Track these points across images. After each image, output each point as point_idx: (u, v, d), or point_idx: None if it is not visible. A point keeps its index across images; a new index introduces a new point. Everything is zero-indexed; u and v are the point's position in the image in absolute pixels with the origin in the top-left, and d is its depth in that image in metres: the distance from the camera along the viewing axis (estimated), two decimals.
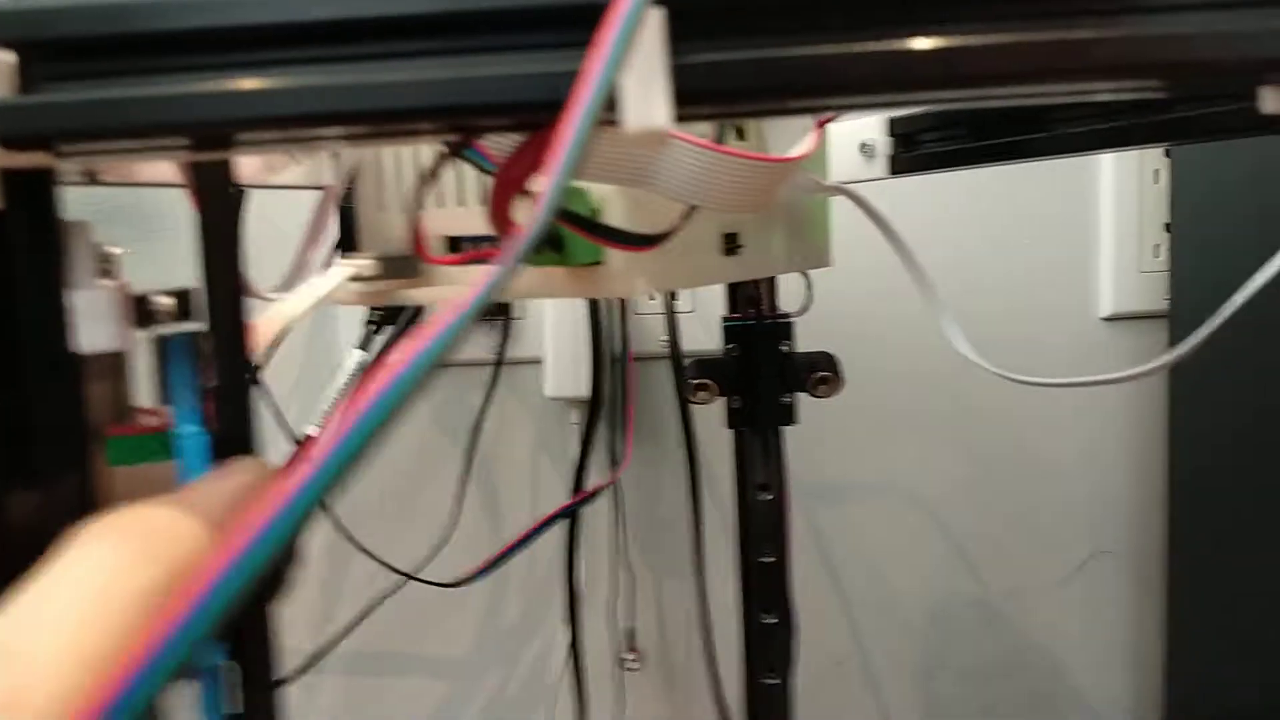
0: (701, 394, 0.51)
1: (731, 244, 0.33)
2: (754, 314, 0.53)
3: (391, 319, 0.65)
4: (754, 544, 0.55)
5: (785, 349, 0.52)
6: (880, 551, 0.78)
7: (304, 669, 0.69)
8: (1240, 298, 0.31)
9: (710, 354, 0.53)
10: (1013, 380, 0.35)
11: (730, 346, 0.52)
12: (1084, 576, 0.79)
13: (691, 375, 0.51)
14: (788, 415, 0.53)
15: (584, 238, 0.26)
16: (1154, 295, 0.74)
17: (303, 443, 0.65)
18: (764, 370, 0.52)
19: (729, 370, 0.52)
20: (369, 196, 0.31)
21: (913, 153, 0.46)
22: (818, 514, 0.77)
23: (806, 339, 0.52)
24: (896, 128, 0.46)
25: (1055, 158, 0.41)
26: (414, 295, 0.30)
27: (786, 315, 0.53)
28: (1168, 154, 0.72)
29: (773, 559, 0.55)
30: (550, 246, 0.26)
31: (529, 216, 0.16)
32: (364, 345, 0.65)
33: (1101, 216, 0.75)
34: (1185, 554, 0.73)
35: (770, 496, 0.55)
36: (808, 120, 0.30)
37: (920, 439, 0.77)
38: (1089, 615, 0.79)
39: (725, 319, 0.52)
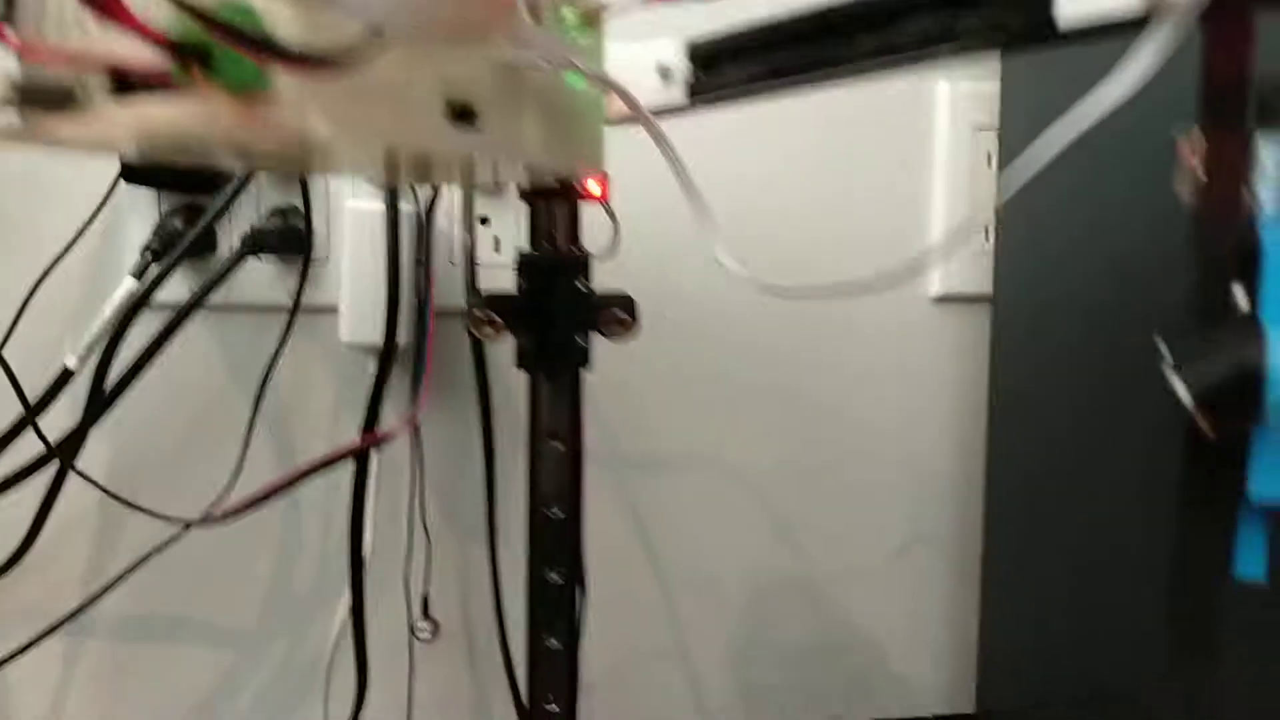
0: (485, 329, 0.47)
1: (464, 113, 0.29)
2: (550, 249, 0.49)
3: (171, 246, 0.60)
4: (541, 497, 0.51)
5: (581, 287, 0.49)
6: (700, 529, 0.75)
7: (49, 631, 0.62)
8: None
9: (505, 291, 0.49)
10: (773, 292, 0.32)
11: (522, 281, 0.49)
12: (905, 562, 0.78)
13: (475, 307, 0.47)
14: (582, 356, 0.50)
15: (235, 49, 0.21)
16: (983, 278, 0.73)
17: (62, 374, 0.59)
18: (557, 307, 0.49)
19: (519, 306, 0.48)
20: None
21: (713, 77, 0.43)
22: (635, 486, 0.74)
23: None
24: (696, 51, 0.43)
25: (851, 79, 0.39)
26: (67, 132, 0.25)
27: (584, 250, 0.49)
28: (999, 137, 0.71)
29: (562, 515, 0.51)
30: (199, 62, 0.22)
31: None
32: (139, 274, 0.59)
33: (934, 195, 0.74)
34: (999, 544, 0.73)
35: (561, 446, 0.51)
36: None
37: (745, 415, 0.75)
38: (908, 601, 0.78)
39: (519, 252, 0.49)
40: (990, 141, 0.72)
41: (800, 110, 0.72)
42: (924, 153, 0.74)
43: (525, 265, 0.48)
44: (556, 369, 0.50)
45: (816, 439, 0.76)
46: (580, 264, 0.49)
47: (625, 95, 0.31)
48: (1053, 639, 0.66)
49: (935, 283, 0.75)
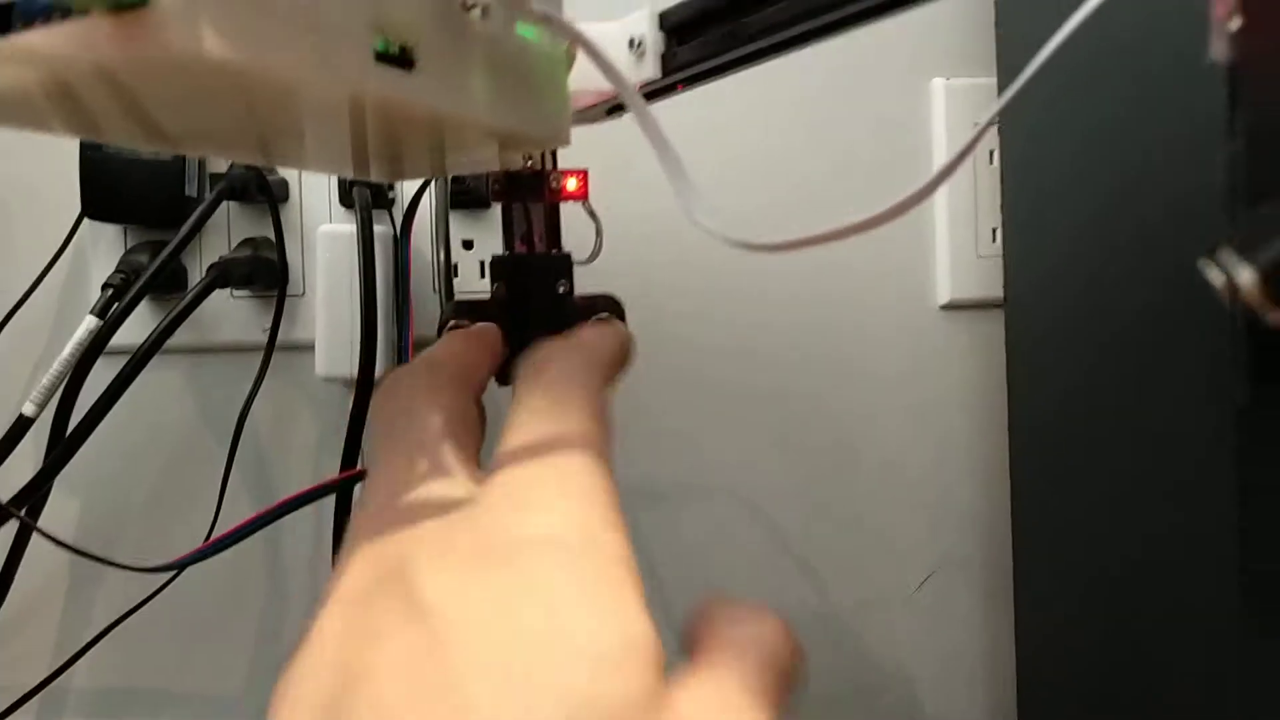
0: None
1: (399, 54, 0.26)
2: (526, 249, 0.46)
3: (134, 282, 0.57)
4: None
5: (561, 289, 0.45)
6: (710, 563, 0.71)
7: (16, 706, 0.58)
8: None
9: (478, 296, 0.46)
10: (752, 248, 0.29)
11: (496, 285, 0.45)
12: (931, 590, 0.73)
13: (447, 316, 0.44)
14: None
15: None
16: (993, 281, 0.70)
17: (18, 421, 0.56)
18: (535, 312, 0.45)
19: (493, 312, 0.45)
20: None
21: (688, 48, 0.40)
22: (638, 517, 0.70)
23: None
24: (668, 20, 0.41)
25: (837, 29, 0.36)
26: None
27: (564, 251, 0.46)
28: (1000, 133, 0.68)
29: None
30: None
31: None
32: (101, 312, 0.56)
33: (936, 194, 0.71)
34: (1030, 562, 0.68)
35: None
36: None
37: (751, 439, 0.71)
38: (938, 631, 0.73)
39: (492, 256, 0.45)
40: (990, 137, 0.69)
41: (792, 111, 0.70)
42: (922, 151, 0.71)
43: (498, 266, 0.45)
44: None
45: (828, 463, 0.72)
46: (560, 264, 0.45)
47: (573, 33, 0.28)
48: (1093, 660, 0.61)
49: (943, 290, 0.71)
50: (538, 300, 0.45)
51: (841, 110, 0.70)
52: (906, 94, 0.71)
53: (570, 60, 0.36)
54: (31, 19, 0.23)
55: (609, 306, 0.45)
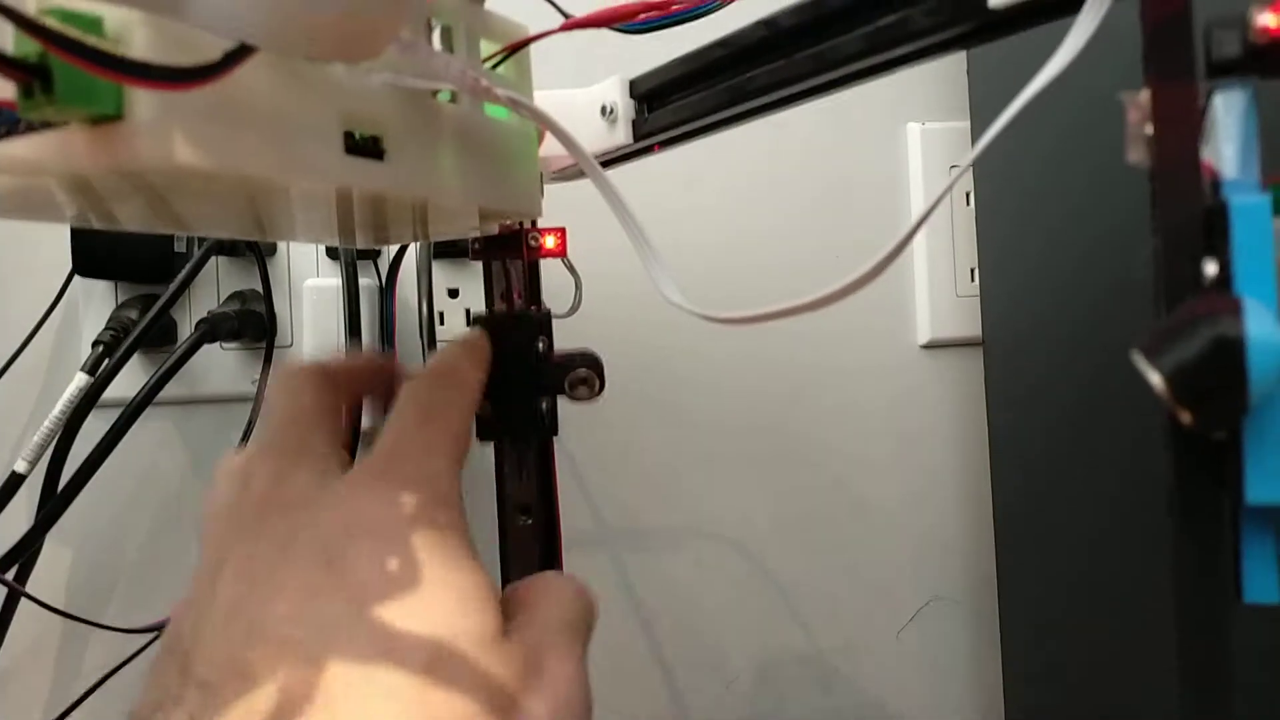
0: None
1: (368, 145, 0.27)
2: (505, 307, 0.47)
3: (124, 337, 0.58)
4: (512, 577, 0.48)
5: (540, 346, 0.46)
6: (699, 604, 0.71)
7: None
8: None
9: None
10: (715, 320, 0.30)
11: None
12: (919, 625, 0.74)
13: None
14: (548, 423, 0.47)
15: (75, 64, 0.19)
16: (972, 320, 0.71)
17: (10, 479, 0.56)
18: (514, 371, 0.46)
19: None
20: None
21: (657, 113, 0.42)
22: (627, 563, 0.70)
23: (612, 371, 0.45)
24: (639, 87, 0.42)
25: (801, 98, 0.37)
26: None
27: (544, 308, 0.47)
28: (975, 175, 0.70)
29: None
30: (40, 83, 0.20)
31: None
32: (92, 369, 0.57)
33: (915, 240, 0.72)
34: (1016, 596, 0.69)
35: (530, 521, 0.48)
36: None
37: (736, 480, 0.72)
38: (927, 666, 0.74)
39: (473, 315, 0.46)
40: (965, 179, 0.70)
41: (771, 161, 0.71)
42: (899, 196, 0.72)
43: (478, 325, 0.46)
44: (521, 437, 0.47)
45: (812, 502, 0.72)
46: (539, 322, 0.46)
47: (540, 116, 0.29)
48: (1082, 695, 0.61)
49: (923, 330, 0.72)
50: (518, 358, 0.46)
51: (819, 154, 0.71)
52: (883, 138, 0.72)
53: (541, 135, 0.38)
54: (14, 125, 0.24)
55: (587, 364, 0.46)
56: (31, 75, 0.20)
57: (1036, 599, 0.66)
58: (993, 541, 0.70)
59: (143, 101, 0.21)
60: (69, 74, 0.20)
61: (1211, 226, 0.19)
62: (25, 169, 0.23)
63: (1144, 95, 0.19)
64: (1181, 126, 0.19)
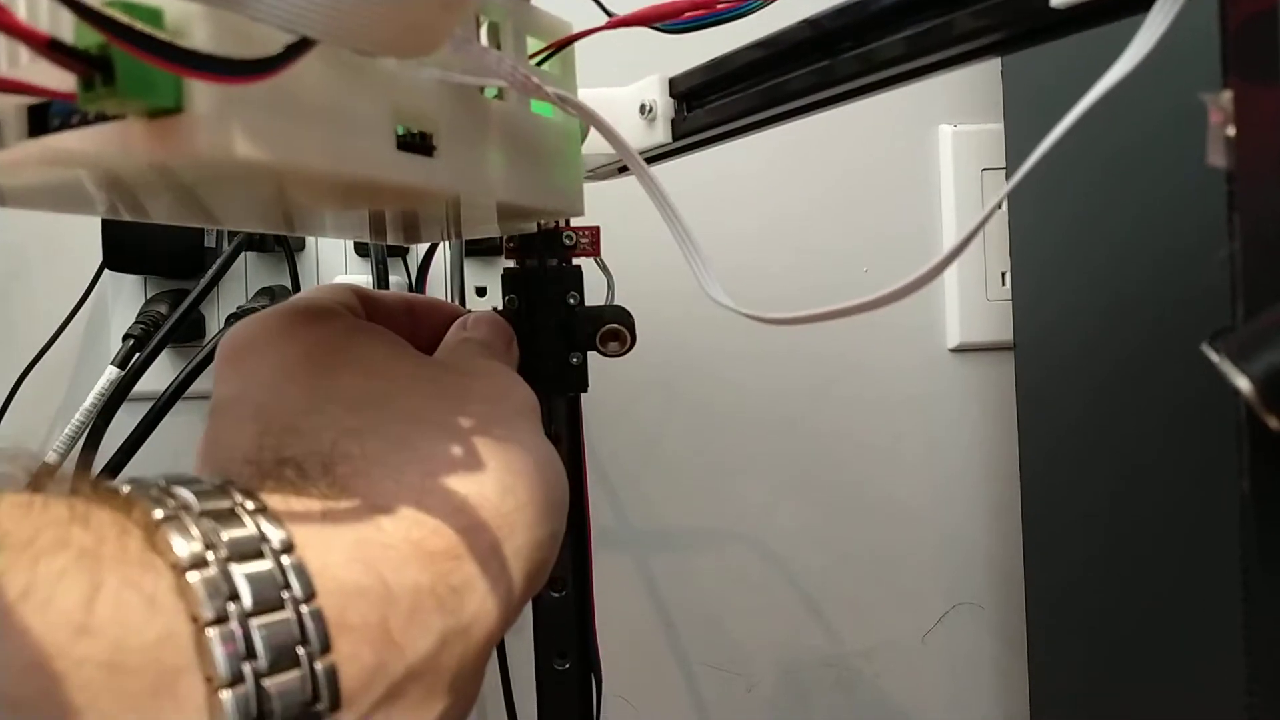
0: None
1: (419, 141, 0.27)
2: (537, 262, 0.46)
3: (154, 332, 0.58)
4: None
5: (572, 300, 0.45)
6: (724, 607, 0.71)
7: None
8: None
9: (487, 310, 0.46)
10: (763, 320, 0.30)
11: (509, 299, 0.45)
12: (945, 631, 0.73)
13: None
14: (578, 378, 0.46)
15: (137, 57, 0.19)
16: (1003, 324, 0.70)
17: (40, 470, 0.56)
18: (544, 323, 0.45)
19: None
20: None
21: (696, 112, 0.41)
22: (651, 564, 0.70)
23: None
24: (678, 86, 0.42)
25: (843, 99, 0.37)
26: None
27: (575, 263, 0.46)
28: (1008, 178, 0.69)
29: (560, 592, 0.47)
30: (101, 73, 0.20)
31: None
32: (122, 363, 0.57)
33: (945, 240, 0.72)
34: (1043, 602, 0.68)
35: None
36: None
37: (763, 485, 0.71)
38: (952, 673, 0.73)
39: (505, 269, 0.46)
40: (998, 182, 0.70)
41: (802, 162, 0.70)
42: (931, 198, 0.71)
43: (508, 279, 0.45)
44: (550, 393, 0.46)
45: (841, 505, 0.72)
46: (570, 276, 0.46)
47: (589, 114, 0.29)
48: (1108, 701, 0.61)
49: (953, 333, 0.72)
50: (546, 310, 0.45)
51: (851, 156, 0.71)
52: (915, 140, 0.71)
53: (584, 133, 0.37)
54: (67, 118, 0.23)
55: (617, 317, 0.45)
56: (93, 67, 0.20)
57: (1063, 604, 0.66)
58: (1020, 546, 0.69)
59: (202, 94, 0.21)
60: (130, 66, 0.20)
61: None
62: (81, 161, 0.23)
63: (1226, 96, 0.19)
64: (1265, 129, 0.19)
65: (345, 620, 0.21)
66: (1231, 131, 0.19)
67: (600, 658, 0.49)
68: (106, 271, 0.60)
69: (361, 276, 0.60)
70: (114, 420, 0.56)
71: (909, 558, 0.73)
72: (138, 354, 0.57)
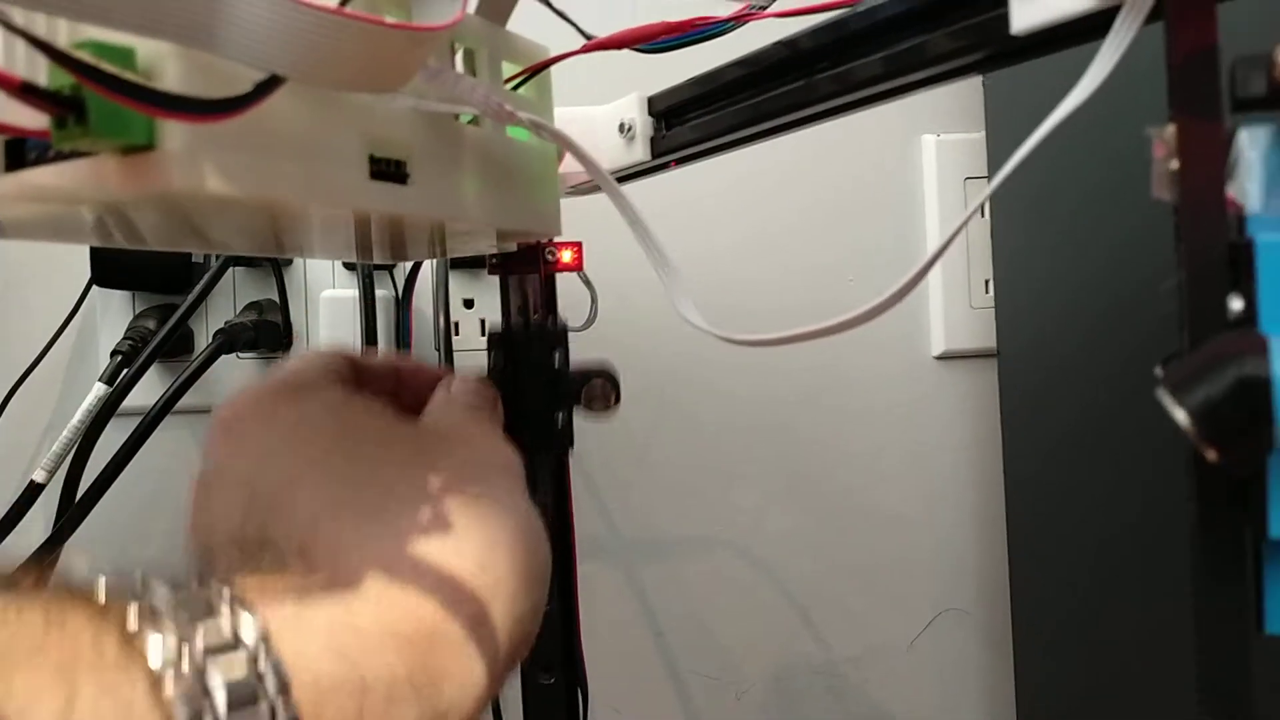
0: None
1: (392, 170, 0.27)
2: (522, 321, 0.47)
3: (142, 347, 0.58)
4: None
5: (556, 360, 0.46)
6: (713, 615, 0.72)
7: None
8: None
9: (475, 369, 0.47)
10: (738, 342, 0.30)
11: (494, 356, 0.46)
12: (932, 636, 0.74)
13: None
14: (564, 436, 0.47)
15: (108, 98, 0.20)
16: (986, 332, 0.71)
17: (29, 488, 0.57)
18: (529, 383, 0.46)
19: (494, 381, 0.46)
20: None
21: (676, 129, 0.42)
22: (641, 572, 0.70)
23: (628, 378, 0.45)
24: (657, 104, 0.42)
25: (818, 118, 0.37)
26: None
27: (560, 322, 0.47)
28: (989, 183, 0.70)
29: (546, 606, 0.48)
30: (74, 115, 0.20)
31: None
32: (110, 379, 0.58)
33: (928, 249, 0.72)
34: (1029, 607, 0.68)
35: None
36: None
37: (750, 493, 0.72)
38: (940, 678, 0.74)
39: (489, 331, 0.47)
40: (981, 190, 0.70)
41: (788, 172, 0.71)
42: (914, 207, 0.72)
43: (494, 341, 0.46)
44: (537, 450, 0.47)
45: (826, 512, 0.72)
46: (555, 336, 0.46)
47: (562, 139, 0.29)
48: (1093, 705, 0.61)
49: (937, 341, 0.72)
50: (535, 372, 0.46)
51: (836, 166, 0.71)
52: (899, 150, 0.72)
53: (562, 152, 0.38)
54: (44, 153, 0.24)
55: (604, 377, 0.46)
56: (65, 107, 0.20)
57: (1049, 610, 0.66)
58: (1005, 553, 0.70)
59: (173, 131, 0.21)
60: (102, 106, 0.20)
61: (1236, 263, 0.19)
62: (56, 196, 0.23)
63: (1169, 131, 0.19)
64: (1206, 163, 0.19)
65: (321, 716, 0.21)
66: (1175, 165, 0.20)
67: (587, 670, 0.49)
68: (95, 287, 0.61)
69: (348, 291, 0.60)
70: (102, 435, 0.56)
71: (896, 564, 0.73)
72: (125, 370, 0.57)
